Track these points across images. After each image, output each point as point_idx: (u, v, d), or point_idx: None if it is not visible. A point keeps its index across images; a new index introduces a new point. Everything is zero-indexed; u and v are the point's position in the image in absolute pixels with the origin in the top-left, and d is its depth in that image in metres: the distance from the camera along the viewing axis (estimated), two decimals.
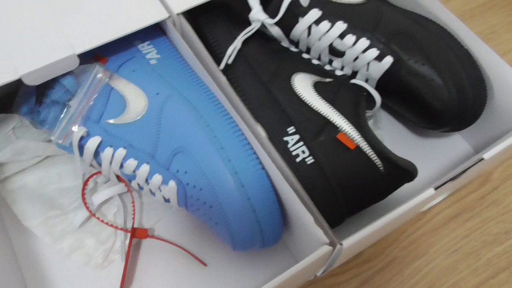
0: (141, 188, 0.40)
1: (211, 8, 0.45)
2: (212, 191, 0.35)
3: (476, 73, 0.41)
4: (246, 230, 0.35)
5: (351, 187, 0.38)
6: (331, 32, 0.43)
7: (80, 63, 0.38)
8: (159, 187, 0.38)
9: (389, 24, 0.43)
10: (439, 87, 0.41)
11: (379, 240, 0.44)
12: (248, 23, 0.43)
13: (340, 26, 0.43)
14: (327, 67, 0.45)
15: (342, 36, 0.43)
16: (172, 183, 0.37)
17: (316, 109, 0.39)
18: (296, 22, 0.44)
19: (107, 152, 0.38)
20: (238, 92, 0.37)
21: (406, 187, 0.42)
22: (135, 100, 0.39)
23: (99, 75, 0.39)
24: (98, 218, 0.41)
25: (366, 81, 0.45)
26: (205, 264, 0.41)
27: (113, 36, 0.39)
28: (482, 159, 0.35)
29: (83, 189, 0.41)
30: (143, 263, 0.41)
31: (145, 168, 0.37)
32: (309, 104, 0.40)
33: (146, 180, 0.38)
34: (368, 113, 0.44)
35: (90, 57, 0.41)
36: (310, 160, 0.38)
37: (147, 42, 0.43)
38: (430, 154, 0.48)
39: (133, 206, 0.42)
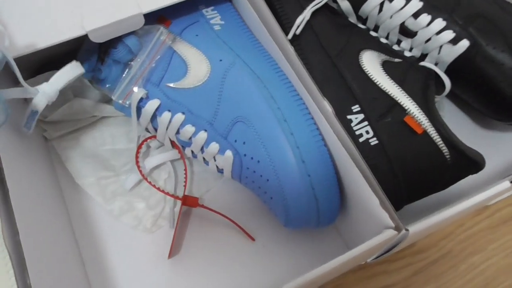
0: (194, 156, 0.40)
1: None
2: (271, 164, 0.34)
3: None
4: (302, 207, 0.34)
5: (414, 172, 0.36)
6: (405, 10, 0.40)
7: (144, 24, 0.38)
8: (214, 156, 0.37)
9: (469, 6, 0.40)
10: None
11: (434, 231, 0.42)
12: None
13: (415, 4, 0.40)
14: (395, 47, 0.43)
15: (416, 15, 0.41)
16: (228, 153, 0.36)
17: (384, 89, 0.38)
18: None
19: (165, 116, 0.37)
20: (303, 65, 0.35)
21: (468, 179, 0.40)
22: (197, 65, 0.38)
23: (162, 37, 0.38)
24: (150, 183, 0.41)
25: (436, 65, 0.42)
26: (253, 239, 0.40)
27: None
28: None
29: (137, 152, 0.41)
30: (191, 232, 0.41)
31: (202, 136, 0.37)
32: (377, 83, 0.38)
33: (202, 148, 0.38)
34: (436, 98, 0.41)
35: (155, 18, 0.40)
36: (374, 141, 0.36)
37: (212, 8, 0.41)
38: (495, 147, 0.46)
39: (185, 173, 0.41)
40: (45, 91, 0.34)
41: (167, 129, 0.38)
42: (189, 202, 0.40)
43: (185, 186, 0.41)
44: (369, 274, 0.39)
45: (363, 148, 0.36)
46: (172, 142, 0.40)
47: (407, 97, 0.37)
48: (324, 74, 0.38)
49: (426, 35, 0.41)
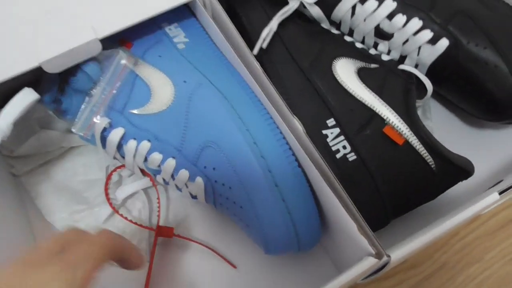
0: (166, 183, 0.37)
1: None
2: (243, 191, 0.32)
3: None
4: (280, 234, 0.32)
5: (398, 186, 0.34)
6: (378, 11, 0.38)
7: (104, 48, 0.36)
8: (185, 183, 0.35)
9: (447, 2, 0.38)
10: (503, 75, 0.36)
11: None
12: (285, 2, 0.39)
13: (389, 4, 0.38)
14: (372, 51, 0.40)
15: (391, 16, 0.38)
16: (199, 180, 0.34)
17: (360, 99, 0.35)
18: (339, 0, 0.39)
19: (131, 144, 0.35)
20: (274, 81, 0.33)
21: (460, 184, 0.38)
22: (161, 89, 0.36)
23: (123, 61, 0.36)
24: (121, 215, 0.39)
25: (416, 67, 0.40)
26: (234, 266, 0.38)
27: (138, 19, 0.35)
28: None
29: (106, 183, 0.39)
30: (170, 262, 0.39)
31: (170, 163, 0.34)
32: (352, 94, 0.36)
33: (172, 176, 0.35)
34: (418, 103, 0.39)
35: (114, 41, 0.38)
36: (352, 157, 0.34)
37: (175, 25, 0.39)
38: (486, 148, 0.43)
39: (158, 202, 0.39)
40: None
41: (134, 157, 0.36)
42: (163, 233, 0.38)
43: (158, 215, 0.39)
44: None
45: (342, 164, 0.34)
46: (142, 170, 0.38)
47: (385, 106, 0.35)
48: (297, 88, 0.36)
49: (403, 37, 0.39)
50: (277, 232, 0.32)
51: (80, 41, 0.34)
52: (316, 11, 0.40)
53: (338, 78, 0.36)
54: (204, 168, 0.34)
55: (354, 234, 0.28)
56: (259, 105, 0.34)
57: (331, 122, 0.35)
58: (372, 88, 0.36)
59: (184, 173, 0.34)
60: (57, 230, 0.40)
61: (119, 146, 0.36)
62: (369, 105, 0.35)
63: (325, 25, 0.41)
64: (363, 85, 0.36)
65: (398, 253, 0.27)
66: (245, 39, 0.34)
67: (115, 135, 0.35)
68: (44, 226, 0.40)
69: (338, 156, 0.34)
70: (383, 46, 0.40)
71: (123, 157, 0.37)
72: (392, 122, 0.34)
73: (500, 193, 0.29)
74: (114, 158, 0.38)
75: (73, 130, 0.36)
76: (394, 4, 0.38)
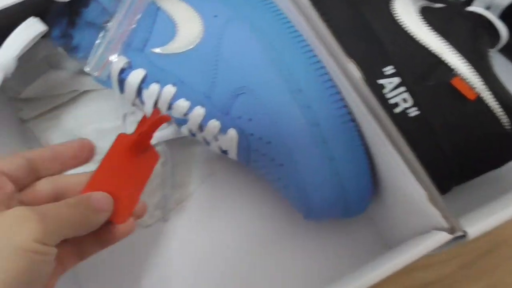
0: (192, 134, 0.33)
1: None
2: (284, 146, 0.27)
3: None
4: (325, 198, 0.27)
5: (466, 148, 0.29)
6: None
7: None
8: (215, 135, 0.31)
9: None
10: None
11: None
12: None
13: None
14: None
15: None
16: (232, 132, 0.29)
17: (424, 44, 0.30)
18: None
19: (153, 89, 0.30)
20: (320, 15, 0.27)
21: None
22: (188, 24, 0.30)
23: None
24: None
25: (487, 9, 0.34)
26: None
27: None
28: None
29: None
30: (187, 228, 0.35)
31: (199, 112, 0.30)
32: (414, 37, 0.30)
33: (200, 127, 0.31)
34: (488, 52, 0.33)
35: None
36: (413, 112, 0.29)
37: None
38: None
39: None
40: None
41: (156, 104, 0.31)
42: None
43: None
44: (406, 269, 0.32)
45: (400, 121, 0.28)
46: None
47: (454, 54, 0.29)
48: (347, 26, 0.30)
49: None
50: (322, 195, 0.27)
51: None
52: None
53: (397, 17, 0.31)
54: (238, 118, 0.29)
55: (422, 204, 0.23)
56: (305, 45, 0.28)
57: (389, 69, 0.29)
58: (438, 30, 0.30)
59: (214, 124, 0.30)
60: None
61: (139, 91, 0.31)
62: (434, 51, 0.29)
63: None
64: (428, 26, 0.30)
65: (475, 229, 0.22)
66: None
67: (135, 77, 0.30)
68: None
69: (396, 110, 0.29)
70: None
71: (143, 104, 0.32)
72: (462, 72, 0.29)
73: None
74: (133, 104, 0.33)
75: (86, 69, 0.31)
76: None
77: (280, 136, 0.27)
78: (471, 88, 0.28)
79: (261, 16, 0.30)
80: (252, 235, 0.34)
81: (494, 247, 0.33)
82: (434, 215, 0.23)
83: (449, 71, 0.29)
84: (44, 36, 0.32)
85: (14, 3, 0.28)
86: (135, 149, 0.27)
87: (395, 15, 0.31)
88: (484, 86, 0.29)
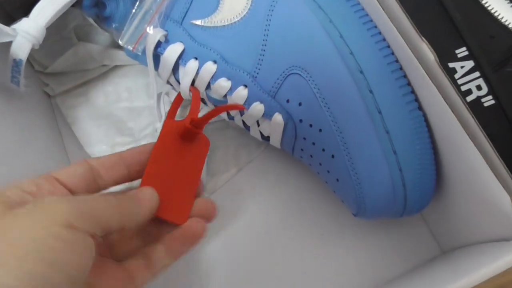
0: (231, 118, 0.30)
1: None
2: (338, 136, 0.24)
3: None
4: (383, 195, 0.24)
5: None
6: None
7: None
8: (257, 120, 0.28)
9: None
10: None
11: None
12: None
13: None
14: None
15: None
16: (278, 118, 0.26)
17: (506, 22, 0.26)
18: None
19: (191, 66, 0.27)
20: None
21: None
22: None
23: None
24: None
25: None
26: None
27: None
28: None
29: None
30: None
31: (241, 93, 0.27)
32: (494, 13, 0.26)
33: None
34: None
35: None
36: (488, 101, 0.25)
37: None
38: None
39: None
40: (26, 31, 0.25)
41: (193, 83, 0.28)
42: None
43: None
44: None
45: (474, 110, 0.25)
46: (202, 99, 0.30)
47: None
48: (418, 4, 0.27)
49: None
50: (380, 192, 0.24)
51: None
52: None
53: None
54: (287, 102, 0.26)
55: (503, 209, 0.20)
56: (367, 20, 0.25)
57: (462, 52, 0.26)
58: None
59: (258, 108, 0.26)
60: None
61: (176, 67, 0.28)
62: None
63: None
64: (510, 3, 0.26)
65: None
66: None
67: (172, 52, 0.27)
68: (82, 157, 0.34)
69: (469, 98, 0.25)
70: None
71: (179, 82, 0.30)
72: None
73: None
74: (168, 82, 0.30)
75: (120, 42, 0.28)
76: None
77: (335, 124, 0.24)
78: None
79: None
80: (293, 231, 0.31)
81: None
82: None
83: None
84: (75, 5, 0.29)
85: None
86: (186, 137, 0.25)
87: None
88: None
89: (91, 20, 0.34)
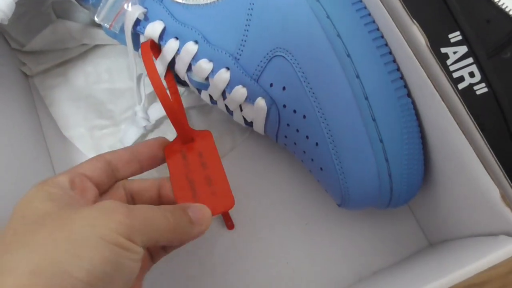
0: (213, 102, 0.29)
1: None
2: (323, 122, 0.23)
3: None
4: (369, 186, 0.23)
5: None
6: None
7: None
8: (240, 104, 0.26)
9: None
10: None
11: None
12: None
13: None
14: None
15: None
16: (260, 102, 0.25)
17: (503, 6, 0.24)
18: None
19: (171, 45, 0.26)
20: None
21: None
22: None
23: None
24: None
25: None
26: (232, 226, 0.30)
27: None
28: None
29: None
30: None
31: (223, 76, 0.25)
32: None
33: (223, 93, 0.26)
34: None
35: None
36: (481, 89, 0.24)
37: None
38: None
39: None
40: None
41: (173, 64, 0.27)
42: None
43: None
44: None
45: (465, 98, 0.24)
46: (183, 82, 0.29)
47: None
48: None
49: None
50: (366, 183, 0.23)
51: None
52: None
53: None
54: (270, 86, 0.24)
55: (492, 203, 0.19)
56: (357, 0, 0.23)
57: (456, 36, 0.24)
58: None
59: (240, 91, 0.25)
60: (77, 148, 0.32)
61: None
62: None
63: None
64: None
65: None
66: None
67: (152, 30, 0.26)
68: (60, 140, 0.33)
69: (461, 86, 0.24)
70: None
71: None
72: None
73: None
74: None
75: (96, 19, 0.27)
76: None
77: (320, 111, 0.23)
78: None
79: None
80: (276, 221, 0.30)
81: None
82: (507, 217, 0.18)
83: None
84: None
85: None
86: (185, 142, 0.26)
87: None
88: None
89: None
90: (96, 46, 0.34)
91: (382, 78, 0.22)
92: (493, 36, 0.24)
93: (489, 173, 0.20)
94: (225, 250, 0.29)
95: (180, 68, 0.27)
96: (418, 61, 0.21)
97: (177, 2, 0.26)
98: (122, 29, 0.27)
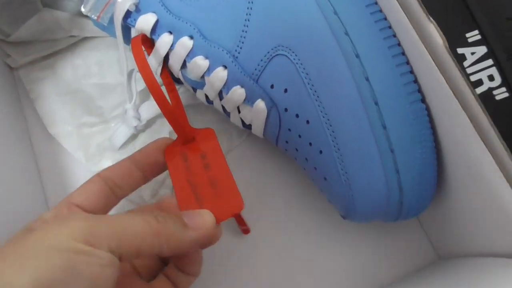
0: (210, 102, 0.27)
1: None
2: (328, 128, 0.21)
3: None
4: (377, 198, 0.21)
5: None
6: None
7: None
8: (238, 106, 0.24)
9: None
10: None
11: None
12: None
13: None
14: None
15: None
16: (260, 104, 0.23)
17: None
18: None
19: (164, 40, 0.24)
20: None
21: None
22: None
23: None
24: None
25: None
26: (247, 231, 0.28)
27: None
28: None
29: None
30: None
31: (220, 74, 0.23)
32: None
33: (220, 93, 0.24)
34: None
35: None
36: (501, 94, 0.22)
37: None
38: None
39: None
40: None
41: (166, 60, 0.25)
42: None
43: None
44: None
45: (485, 104, 0.22)
46: (178, 80, 0.27)
47: None
48: None
49: None
50: (373, 195, 0.21)
51: None
52: None
53: None
54: (271, 88, 0.22)
55: None
56: None
57: (474, 36, 0.22)
58: None
59: (238, 92, 0.23)
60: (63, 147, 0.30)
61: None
62: None
63: None
64: None
65: None
66: None
67: (143, 23, 0.24)
68: (46, 138, 0.31)
69: (479, 90, 0.22)
70: None
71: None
72: None
73: None
74: None
75: (83, 9, 0.25)
76: None
77: (325, 115, 0.21)
78: None
79: None
80: (275, 229, 0.28)
81: None
82: None
83: None
84: None
85: None
86: (186, 142, 0.24)
87: None
88: None
89: None
90: (86, 38, 0.32)
91: (394, 81, 0.20)
92: None
93: (511, 186, 0.18)
94: (221, 259, 0.28)
95: (174, 65, 0.25)
96: (435, 63, 0.19)
97: None
98: (111, 21, 0.25)
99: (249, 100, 0.23)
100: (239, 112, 0.25)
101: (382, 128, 0.20)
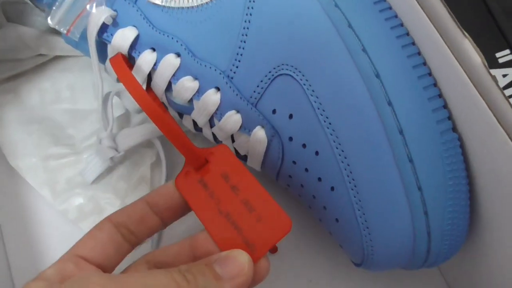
0: (198, 130, 0.23)
1: None
2: (342, 161, 0.18)
3: None
4: (398, 244, 0.18)
5: None
6: None
7: None
8: (232, 134, 0.21)
9: None
10: None
11: None
12: None
13: None
14: None
15: None
16: (259, 132, 0.20)
17: None
18: None
19: (146, 58, 0.21)
20: None
21: None
22: None
23: None
24: None
25: None
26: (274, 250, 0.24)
27: None
28: None
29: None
30: None
31: (212, 98, 0.20)
32: None
33: (211, 119, 0.21)
34: None
35: None
36: None
37: None
38: None
39: None
40: None
41: (149, 82, 0.22)
42: None
43: None
44: None
45: None
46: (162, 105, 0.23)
47: None
48: None
49: None
50: (396, 241, 0.18)
51: None
52: None
53: None
54: (272, 113, 0.19)
55: None
56: (386, 7, 0.18)
57: (505, 56, 0.20)
58: None
59: (233, 118, 0.20)
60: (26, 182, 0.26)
61: (129, 60, 0.22)
62: None
63: None
64: None
65: None
66: None
67: (122, 39, 0.21)
68: (8, 172, 0.26)
69: None
70: None
71: None
72: None
73: None
74: (118, 80, 0.23)
75: (50, 22, 0.21)
76: None
77: (339, 146, 0.18)
78: None
79: None
80: (273, 275, 0.24)
81: None
82: None
83: None
84: None
85: None
86: (198, 167, 0.19)
87: None
88: None
89: None
90: (56, 58, 0.28)
91: (421, 106, 0.17)
92: None
93: None
94: None
95: (157, 86, 0.21)
96: (473, 85, 0.16)
97: (155, 4, 0.21)
98: (84, 36, 0.22)
99: (246, 127, 0.20)
100: (233, 141, 0.21)
101: (408, 162, 0.17)
